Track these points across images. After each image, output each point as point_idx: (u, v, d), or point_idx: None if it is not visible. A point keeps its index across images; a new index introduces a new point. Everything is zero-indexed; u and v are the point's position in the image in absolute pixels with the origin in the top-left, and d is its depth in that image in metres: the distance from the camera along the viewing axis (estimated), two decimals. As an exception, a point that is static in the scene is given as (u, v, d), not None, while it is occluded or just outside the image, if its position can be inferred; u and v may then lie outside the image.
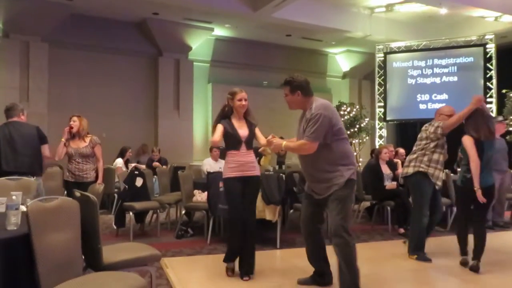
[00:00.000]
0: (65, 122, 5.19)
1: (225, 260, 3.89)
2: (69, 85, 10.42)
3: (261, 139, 3.89)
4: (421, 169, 4.35)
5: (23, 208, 2.51)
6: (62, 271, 2.27)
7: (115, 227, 5.64)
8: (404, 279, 3.93)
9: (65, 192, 4.97)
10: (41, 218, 2.23)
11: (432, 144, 4.37)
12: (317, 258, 3.50)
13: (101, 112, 10.64)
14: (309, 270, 3.58)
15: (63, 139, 4.85)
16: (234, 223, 3.81)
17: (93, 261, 2.66)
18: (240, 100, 3.90)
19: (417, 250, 4.42)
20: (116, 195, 6.99)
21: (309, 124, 3.14)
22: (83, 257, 2.58)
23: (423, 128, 4.55)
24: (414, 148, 4.57)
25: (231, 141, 3.84)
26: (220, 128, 3.83)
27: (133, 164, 8.20)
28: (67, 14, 9.88)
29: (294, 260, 4.40)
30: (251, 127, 3.93)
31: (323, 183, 3.23)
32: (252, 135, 3.90)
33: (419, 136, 4.58)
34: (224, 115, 3.94)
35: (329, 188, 3.19)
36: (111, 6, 9.81)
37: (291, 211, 5.71)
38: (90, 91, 10.62)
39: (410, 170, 4.45)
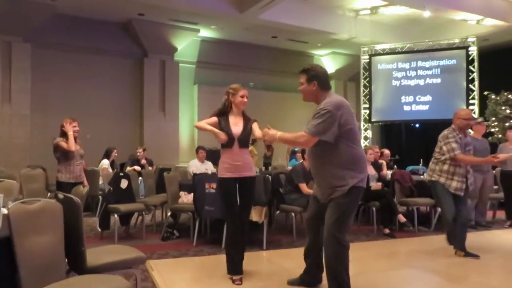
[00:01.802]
0: (48, 123, 5.17)
1: (230, 273, 3.66)
2: (52, 86, 10.28)
3: (256, 131, 3.75)
4: (433, 179, 4.57)
5: (4, 210, 2.46)
6: (45, 274, 2.23)
7: (99, 229, 5.57)
8: (390, 278, 3.96)
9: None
10: (23, 220, 2.19)
11: (443, 157, 4.48)
12: (311, 256, 3.38)
13: (85, 114, 10.49)
14: (295, 271, 3.58)
15: (70, 133, 5.04)
16: (231, 227, 3.67)
17: (76, 264, 2.61)
18: (242, 96, 3.77)
19: (461, 247, 4.48)
20: (100, 197, 6.90)
21: (314, 117, 2.98)
22: (66, 260, 2.53)
23: (441, 135, 4.56)
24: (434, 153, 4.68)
25: None
26: (212, 119, 3.79)
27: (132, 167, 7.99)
28: (50, 14, 9.74)
29: (281, 261, 4.40)
30: (247, 125, 3.78)
31: (326, 187, 3.08)
32: (247, 134, 3.75)
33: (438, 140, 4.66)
34: (223, 111, 3.83)
35: (330, 193, 3.03)
36: (95, 6, 9.71)
37: (278, 212, 5.72)
38: (74, 92, 10.49)
39: (427, 177, 4.72)
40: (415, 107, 11.64)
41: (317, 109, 3.03)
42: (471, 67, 11.17)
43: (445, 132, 4.53)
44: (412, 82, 11.75)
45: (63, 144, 4.92)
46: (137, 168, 7.80)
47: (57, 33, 10.14)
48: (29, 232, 2.20)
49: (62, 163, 4.96)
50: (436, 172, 4.55)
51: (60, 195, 2.76)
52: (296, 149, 9.45)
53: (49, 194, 6.57)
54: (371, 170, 6.35)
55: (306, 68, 3.18)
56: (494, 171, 6.93)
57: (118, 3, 9.35)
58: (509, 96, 10.35)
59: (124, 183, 5.64)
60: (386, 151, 7.92)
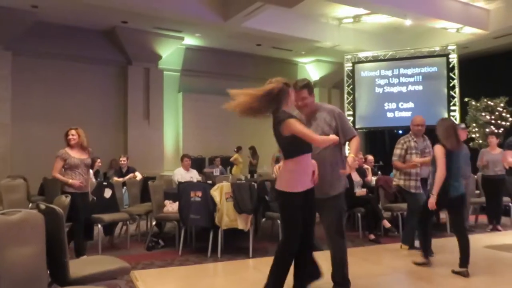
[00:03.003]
0: (29, 132, 5.07)
1: None
2: (33, 95, 10.13)
3: None
4: (395, 183, 5.18)
5: (-17, 222, 2.40)
6: (26, 287, 2.18)
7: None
8: (376, 285, 3.98)
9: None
10: (4, 232, 2.14)
11: None
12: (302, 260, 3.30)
13: (67, 122, 10.22)
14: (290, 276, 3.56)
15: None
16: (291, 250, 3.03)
17: (59, 276, 2.56)
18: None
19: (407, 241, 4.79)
20: (83, 207, 6.79)
21: (342, 120, 3.31)
22: (48, 272, 2.48)
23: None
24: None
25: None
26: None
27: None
28: (32, 21, 9.62)
29: (267, 269, 4.37)
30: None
31: (327, 186, 3.28)
32: None
33: None
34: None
35: (328, 192, 3.29)
36: (78, 14, 9.63)
37: (263, 219, 5.70)
38: (56, 100, 10.36)
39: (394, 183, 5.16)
40: (398, 114, 11.80)
41: (331, 116, 3.32)
42: (451, 74, 11.39)
43: (400, 138, 4.97)
44: (395, 89, 11.92)
45: (56, 162, 4.79)
46: (138, 175, 7.69)
47: (39, 41, 10.01)
48: (10, 244, 2.15)
49: (66, 173, 4.79)
50: (397, 176, 4.99)
51: (42, 206, 2.71)
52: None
53: (30, 205, 6.44)
54: (355, 176, 6.40)
55: (306, 83, 3.34)
56: (475, 176, 7.05)
57: (102, 10, 9.28)
58: (489, 102, 10.57)
59: (107, 193, 5.57)
60: (370, 157, 7.99)
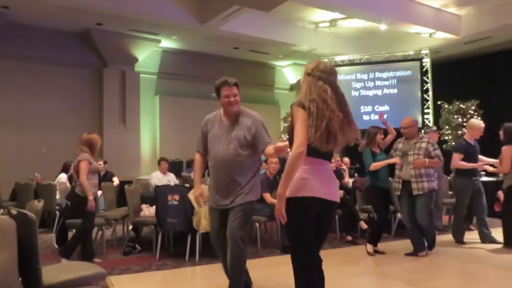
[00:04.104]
0: (0, 137, 4.91)
1: None
2: (4, 98, 9.86)
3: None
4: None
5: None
6: (-4, 295, 2.11)
7: (56, 246, 5.35)
8: (352, 285, 4.02)
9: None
10: (-28, 238, 2.06)
11: None
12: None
13: (41, 126, 10.17)
14: (260, 281, 3.57)
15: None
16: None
17: (31, 283, 2.49)
18: None
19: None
20: (57, 212, 6.65)
21: (262, 130, 3.20)
22: (20, 279, 2.41)
23: None
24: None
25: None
26: None
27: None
28: (3, 22, 9.37)
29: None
30: None
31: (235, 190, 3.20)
32: None
33: None
34: None
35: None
36: (51, 15, 9.43)
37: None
38: (28, 104, 10.10)
39: None
40: (373, 117, 11.98)
41: (258, 121, 3.26)
42: (425, 78, 11.66)
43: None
44: (370, 93, 12.11)
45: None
46: (116, 180, 7.62)
47: (11, 42, 9.76)
48: (-21, 251, 2.08)
49: (88, 178, 4.80)
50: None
51: (14, 211, 2.64)
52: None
53: (1, 210, 6.25)
54: (333, 179, 6.46)
55: (237, 81, 3.34)
56: (448, 177, 7.20)
57: (76, 12, 9.12)
58: (461, 105, 10.86)
59: (82, 197, 5.44)
60: (346, 159, 8.10)
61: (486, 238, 5.51)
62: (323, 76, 2.39)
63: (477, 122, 5.60)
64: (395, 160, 4.94)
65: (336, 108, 2.36)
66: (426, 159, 4.70)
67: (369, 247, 5.03)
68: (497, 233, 5.48)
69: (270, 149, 3.08)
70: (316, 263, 2.47)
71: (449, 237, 6.06)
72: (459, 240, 5.61)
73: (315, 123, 2.27)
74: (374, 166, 4.98)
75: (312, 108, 2.29)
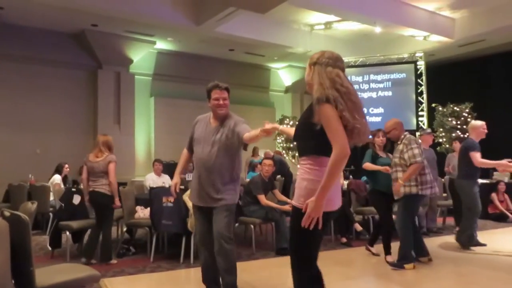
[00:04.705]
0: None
1: None
2: (-2, 99, 9.79)
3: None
4: None
5: None
6: (-11, 297, 2.09)
7: (50, 248, 5.31)
8: (346, 287, 4.02)
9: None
10: (-36, 240, 2.04)
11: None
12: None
13: (34, 127, 10.11)
14: (255, 284, 3.56)
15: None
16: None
17: (24, 285, 2.47)
18: None
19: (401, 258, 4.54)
20: (51, 214, 6.60)
21: (243, 123, 3.30)
22: (13, 281, 2.39)
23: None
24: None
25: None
26: None
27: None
28: (-3, 23, 9.33)
29: (241, 274, 4.35)
30: None
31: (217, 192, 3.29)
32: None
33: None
34: None
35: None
36: (46, 16, 9.39)
37: (237, 224, 5.68)
38: (22, 105, 10.04)
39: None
40: (368, 119, 11.72)
41: (241, 121, 3.35)
42: (419, 81, 11.72)
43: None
44: (365, 95, 12.16)
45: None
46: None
47: (5, 43, 9.70)
48: (-29, 253, 2.06)
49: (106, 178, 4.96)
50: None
51: (7, 213, 2.62)
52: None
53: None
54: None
55: (228, 86, 3.44)
56: (443, 180, 7.25)
57: (71, 13, 9.08)
58: (455, 108, 10.92)
59: (76, 199, 5.41)
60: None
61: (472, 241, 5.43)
62: (330, 62, 2.27)
63: (478, 122, 5.51)
64: (383, 168, 4.74)
65: (355, 93, 2.15)
66: (400, 180, 4.44)
67: (372, 249, 5.04)
68: (492, 235, 5.50)
69: (252, 133, 3.09)
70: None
71: (444, 239, 6.09)
72: (467, 245, 5.39)
73: (345, 104, 2.07)
74: (366, 166, 4.92)
75: (336, 95, 2.08)
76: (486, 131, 5.37)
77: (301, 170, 2.23)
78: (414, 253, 4.61)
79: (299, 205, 2.15)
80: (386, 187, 4.71)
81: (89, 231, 5.26)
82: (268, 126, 2.81)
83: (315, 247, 2.25)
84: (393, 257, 4.63)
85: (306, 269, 2.24)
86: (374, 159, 4.94)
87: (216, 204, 3.26)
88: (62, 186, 7.36)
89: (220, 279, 3.32)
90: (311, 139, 2.16)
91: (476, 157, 5.15)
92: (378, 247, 5.01)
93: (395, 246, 4.59)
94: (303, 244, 2.21)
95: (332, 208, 2.18)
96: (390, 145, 5.11)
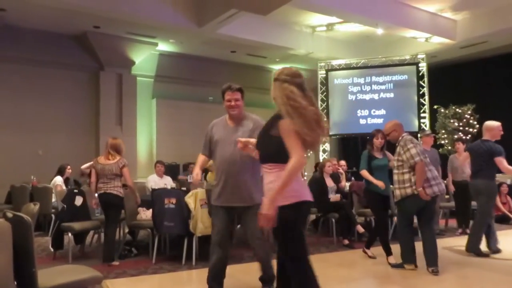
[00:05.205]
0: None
1: None
2: (1, 100, 9.82)
3: None
4: None
5: None
6: (-9, 299, 2.09)
7: (52, 249, 5.32)
8: (350, 289, 4.02)
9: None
10: (-33, 241, 2.05)
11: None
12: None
13: (37, 129, 10.13)
14: (257, 286, 3.56)
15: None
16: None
17: (26, 287, 2.47)
18: None
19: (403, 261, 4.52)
20: (53, 215, 6.61)
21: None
22: (16, 282, 2.39)
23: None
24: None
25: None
26: None
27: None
28: (0, 25, 9.35)
29: (242, 277, 4.36)
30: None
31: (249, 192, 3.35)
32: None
33: None
34: None
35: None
36: (48, 17, 9.41)
37: (238, 226, 5.66)
38: (25, 106, 10.07)
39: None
40: (370, 121, 12.01)
41: (260, 124, 3.37)
42: (421, 82, 11.70)
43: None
44: (367, 97, 12.14)
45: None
46: None
47: (7, 45, 9.73)
48: (-26, 254, 2.06)
49: (120, 180, 5.12)
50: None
51: (9, 214, 2.62)
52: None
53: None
54: (330, 182, 6.47)
55: (240, 87, 3.57)
56: (445, 181, 7.22)
57: (73, 15, 9.11)
58: (457, 109, 10.90)
59: (78, 200, 5.42)
60: (342, 162, 8.13)
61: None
62: (287, 79, 2.48)
63: (493, 122, 5.30)
64: (377, 182, 4.81)
65: (308, 105, 2.37)
66: (414, 187, 4.29)
67: (368, 251, 5.05)
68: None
69: None
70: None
71: (445, 241, 6.07)
72: (478, 251, 5.15)
73: (297, 119, 2.30)
74: (362, 173, 5.00)
75: (290, 111, 2.33)
76: (502, 132, 5.22)
77: (264, 175, 2.47)
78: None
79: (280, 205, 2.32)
80: (383, 189, 4.84)
81: (93, 235, 5.27)
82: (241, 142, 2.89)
83: (303, 239, 2.42)
84: (395, 257, 4.63)
85: (303, 261, 2.41)
86: (370, 160, 4.98)
87: (248, 203, 3.31)
88: (64, 187, 7.38)
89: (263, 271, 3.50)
90: (270, 148, 2.42)
91: (503, 162, 5.01)
92: (375, 250, 5.00)
93: (394, 248, 4.58)
94: (291, 238, 2.37)
95: (302, 198, 2.37)
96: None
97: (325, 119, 2.54)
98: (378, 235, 4.96)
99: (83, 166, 6.98)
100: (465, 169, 6.71)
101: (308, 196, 2.42)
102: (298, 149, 2.28)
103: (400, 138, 4.58)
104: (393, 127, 4.68)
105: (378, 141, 5.02)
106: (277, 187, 2.28)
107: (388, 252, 4.74)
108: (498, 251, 5.25)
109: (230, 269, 4.68)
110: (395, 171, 4.51)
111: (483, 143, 5.18)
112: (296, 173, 2.30)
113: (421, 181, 4.25)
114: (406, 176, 4.36)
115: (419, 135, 7.44)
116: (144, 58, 11.54)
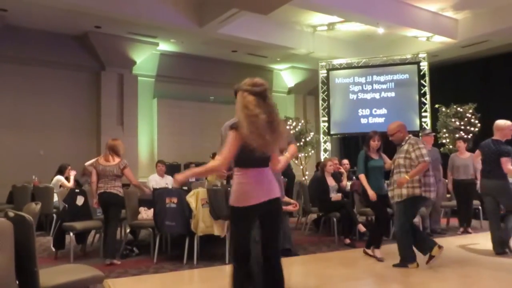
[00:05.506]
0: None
1: None
2: (2, 100, 9.83)
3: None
4: None
5: None
6: (-7, 298, 2.10)
7: (53, 249, 5.33)
8: (351, 288, 4.02)
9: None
10: (-31, 241, 2.05)
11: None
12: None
13: (38, 129, 10.14)
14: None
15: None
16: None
17: (28, 286, 2.47)
18: None
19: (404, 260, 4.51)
20: (54, 215, 6.62)
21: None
22: (17, 282, 2.39)
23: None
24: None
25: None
26: None
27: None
28: (1, 25, 9.35)
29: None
30: None
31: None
32: None
33: None
34: None
35: None
36: (49, 17, 9.42)
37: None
38: (26, 106, 10.08)
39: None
40: (371, 120, 12.00)
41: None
42: (422, 82, 11.69)
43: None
44: (368, 96, 12.12)
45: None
46: None
47: (8, 45, 9.73)
48: (-24, 253, 2.06)
49: (120, 180, 5.22)
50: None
51: (11, 213, 2.62)
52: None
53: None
54: (331, 181, 6.48)
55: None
56: (446, 180, 7.22)
57: (74, 15, 9.10)
58: (458, 109, 10.88)
59: (80, 200, 5.44)
60: (344, 161, 8.16)
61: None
62: (248, 88, 2.68)
63: (503, 121, 5.25)
64: (371, 193, 4.88)
65: (261, 113, 2.56)
66: (406, 176, 4.37)
67: (369, 251, 5.03)
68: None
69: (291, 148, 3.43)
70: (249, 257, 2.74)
71: (447, 240, 6.07)
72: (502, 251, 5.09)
73: (247, 126, 2.51)
74: (360, 178, 5.06)
75: (242, 118, 2.54)
76: None
77: (234, 178, 2.77)
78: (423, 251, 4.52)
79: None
80: (378, 188, 4.94)
81: (94, 234, 5.28)
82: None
83: (238, 241, 2.70)
84: (381, 252, 4.83)
85: (237, 254, 2.74)
86: (366, 161, 5.04)
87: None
88: (68, 184, 7.45)
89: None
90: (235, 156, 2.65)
91: (508, 164, 4.98)
92: (382, 248, 5.00)
93: (392, 248, 4.57)
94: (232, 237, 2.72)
95: (246, 203, 2.64)
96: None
97: (283, 126, 2.81)
98: (380, 230, 5.03)
99: (87, 163, 6.98)
100: (470, 168, 6.70)
101: (251, 202, 2.63)
102: (227, 155, 2.57)
103: (406, 138, 4.62)
104: (397, 128, 4.69)
105: (374, 143, 5.08)
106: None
107: (377, 245, 4.89)
108: None
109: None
110: (401, 169, 4.50)
111: (493, 142, 5.16)
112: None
113: (415, 175, 4.39)
114: (416, 177, 4.40)
115: (420, 134, 7.44)
116: (145, 58, 11.54)
